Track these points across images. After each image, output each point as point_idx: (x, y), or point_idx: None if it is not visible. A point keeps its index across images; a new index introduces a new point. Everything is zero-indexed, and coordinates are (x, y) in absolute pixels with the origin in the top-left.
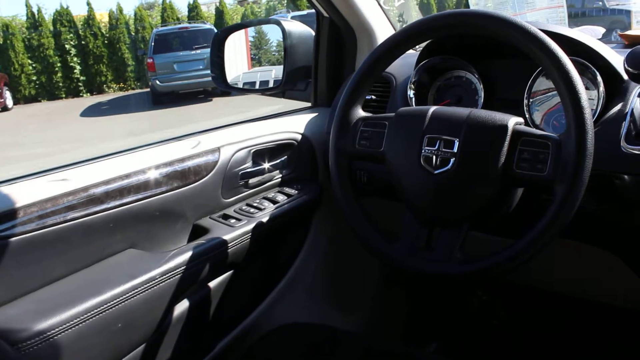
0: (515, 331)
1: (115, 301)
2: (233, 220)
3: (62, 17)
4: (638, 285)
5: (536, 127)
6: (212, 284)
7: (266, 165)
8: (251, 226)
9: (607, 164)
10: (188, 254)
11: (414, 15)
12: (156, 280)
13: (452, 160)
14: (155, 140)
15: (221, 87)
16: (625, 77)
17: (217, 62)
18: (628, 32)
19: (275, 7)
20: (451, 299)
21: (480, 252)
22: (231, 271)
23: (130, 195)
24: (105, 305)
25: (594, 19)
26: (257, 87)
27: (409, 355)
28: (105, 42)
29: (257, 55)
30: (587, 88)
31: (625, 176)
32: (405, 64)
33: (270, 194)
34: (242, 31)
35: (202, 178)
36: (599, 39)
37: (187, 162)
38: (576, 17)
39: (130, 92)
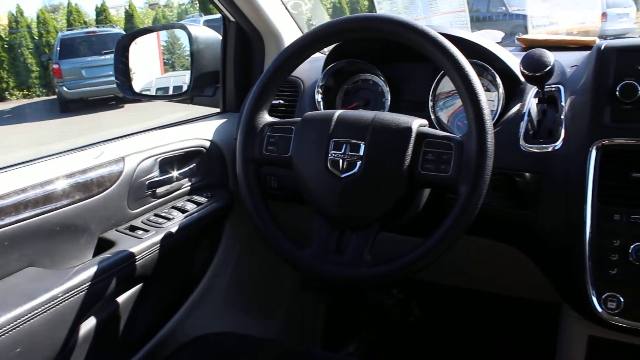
0: (431, 328)
1: (12, 325)
2: (141, 232)
3: None
4: (542, 278)
5: (442, 128)
6: (121, 299)
7: (174, 173)
8: (160, 237)
9: (508, 163)
10: (93, 269)
11: (323, 19)
12: (58, 299)
13: (359, 163)
14: (61, 149)
15: (127, 94)
16: (522, 79)
17: (121, 68)
18: (525, 36)
19: (187, 10)
20: (368, 300)
21: (392, 253)
22: (140, 284)
23: (28, 210)
24: (0, 330)
25: (498, 23)
26: (170, 92)
27: (324, 358)
28: (5, 46)
29: (170, 59)
30: (487, 90)
31: (525, 174)
32: (313, 67)
33: (179, 203)
34: (154, 35)
35: (106, 189)
36: (499, 43)
37: (89, 173)
38: (482, 21)
39: (36, 99)
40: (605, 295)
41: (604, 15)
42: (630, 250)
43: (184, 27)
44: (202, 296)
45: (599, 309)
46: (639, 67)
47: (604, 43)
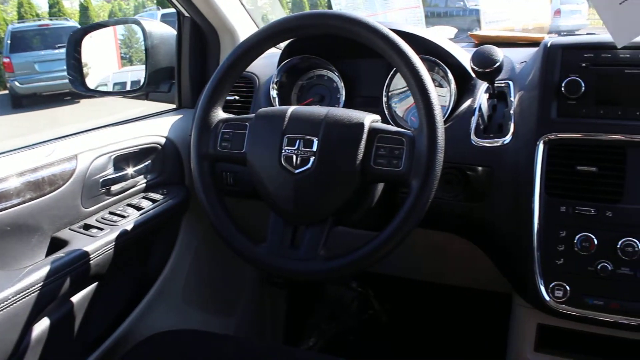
0: (389, 319)
1: None
2: (95, 230)
3: None
4: (494, 269)
5: (397, 123)
6: (75, 298)
7: (129, 170)
8: (115, 235)
9: (460, 157)
10: (45, 269)
11: (279, 14)
12: (9, 301)
13: (312, 159)
14: (13, 147)
15: (79, 90)
16: (473, 74)
17: (73, 64)
18: (477, 32)
19: (144, 4)
20: (327, 294)
21: (348, 247)
22: (95, 283)
23: None
24: None
25: (456, 18)
26: (128, 87)
27: (282, 352)
28: None
29: (128, 54)
30: (439, 85)
31: (476, 167)
32: (268, 63)
33: (135, 201)
34: (110, 30)
35: (59, 188)
36: (452, 39)
37: (40, 171)
38: (440, 17)
39: None
40: (553, 284)
41: (558, 12)
42: (575, 241)
43: (137, 22)
44: (160, 294)
45: (547, 298)
46: (583, 64)
47: (550, 40)
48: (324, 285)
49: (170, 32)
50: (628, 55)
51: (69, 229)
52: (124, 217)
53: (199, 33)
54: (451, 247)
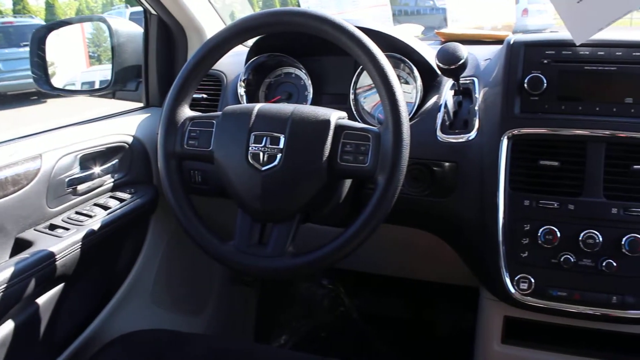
0: (359, 315)
1: None
2: (61, 230)
3: None
4: (462, 263)
5: (364, 120)
6: (41, 300)
7: (96, 169)
8: (81, 235)
9: (426, 153)
10: (9, 271)
11: (247, 12)
12: None
13: (279, 156)
14: None
15: (44, 89)
16: (439, 71)
17: (37, 62)
18: (443, 30)
19: (112, 1)
20: (298, 291)
21: (316, 244)
22: (62, 284)
23: None
24: None
25: (426, 16)
26: (96, 86)
27: (253, 350)
28: None
29: (97, 52)
30: (406, 82)
31: (443, 163)
32: (236, 61)
33: (102, 200)
34: (78, 27)
35: (22, 188)
36: (419, 36)
37: (3, 171)
38: (410, 15)
39: None
40: (518, 277)
41: (525, 11)
42: (539, 234)
43: (103, 20)
44: (128, 294)
45: (512, 290)
46: (545, 60)
47: (513, 38)
48: (295, 282)
49: (138, 30)
50: (587, 52)
51: (34, 230)
52: (90, 216)
53: (166, 31)
54: (419, 243)
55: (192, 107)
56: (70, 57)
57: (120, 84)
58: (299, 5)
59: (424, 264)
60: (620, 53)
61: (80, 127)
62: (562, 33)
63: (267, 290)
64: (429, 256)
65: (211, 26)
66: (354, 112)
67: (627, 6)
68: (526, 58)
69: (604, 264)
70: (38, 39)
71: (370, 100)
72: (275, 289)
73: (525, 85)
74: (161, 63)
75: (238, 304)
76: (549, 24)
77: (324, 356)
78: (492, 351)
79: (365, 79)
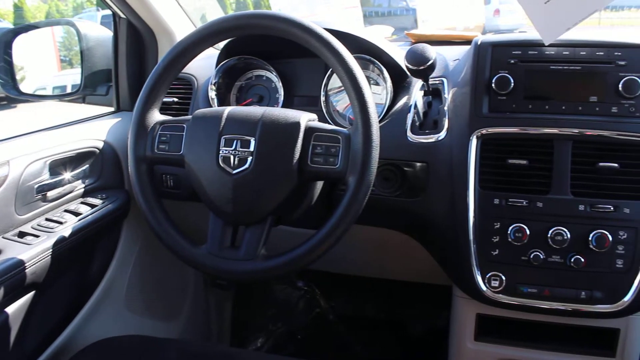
0: (335, 317)
1: None
2: (30, 238)
3: None
4: (435, 262)
5: (335, 122)
6: (11, 309)
7: (66, 175)
8: (51, 242)
9: (397, 154)
10: None
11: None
12: None
13: (250, 159)
14: None
15: (12, 94)
16: (408, 72)
17: (4, 67)
18: (413, 31)
19: (83, 5)
20: (274, 294)
21: (290, 246)
22: (32, 292)
23: None
24: None
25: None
26: (68, 90)
27: (228, 354)
28: None
29: (68, 56)
30: (376, 83)
31: (413, 163)
32: (207, 64)
33: (73, 206)
34: (49, 32)
35: None
36: (389, 38)
37: None
38: (384, 16)
39: None
40: (489, 274)
41: (497, 11)
42: (509, 232)
43: (71, 24)
44: (101, 300)
45: (484, 288)
46: (512, 60)
47: (480, 38)
48: (270, 285)
49: (107, 33)
50: (553, 52)
51: (2, 237)
52: (61, 223)
53: (136, 35)
54: (392, 243)
55: (164, 111)
56: (40, 61)
57: (90, 88)
58: (270, 8)
59: (397, 264)
60: (584, 53)
61: (49, 132)
62: (529, 33)
63: (243, 293)
64: (403, 256)
65: (181, 29)
66: (325, 114)
67: (593, 6)
68: (493, 58)
69: (572, 260)
70: (4, 43)
71: (343, 102)
72: (251, 292)
73: (493, 85)
74: (131, 67)
75: (213, 308)
76: (521, 24)
77: (301, 358)
78: (465, 349)
79: (336, 81)
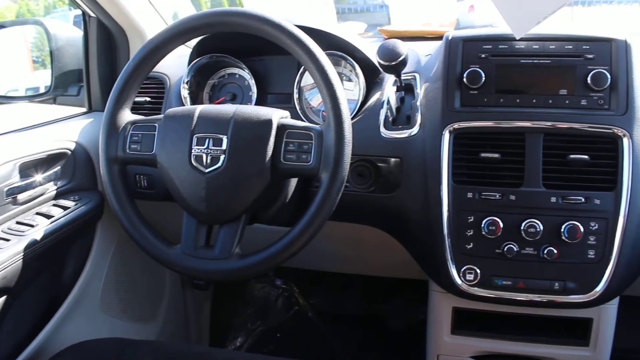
0: (314, 314)
1: None
2: (1, 242)
3: None
4: (411, 257)
5: (308, 119)
6: None
7: (37, 177)
8: (22, 246)
9: (370, 149)
10: None
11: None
12: None
13: (222, 157)
14: None
15: None
16: (381, 68)
17: None
18: (386, 27)
19: (55, 4)
20: (252, 293)
21: (265, 244)
22: (3, 297)
23: None
24: None
25: (375, 14)
26: (41, 90)
27: (207, 354)
28: None
29: (41, 57)
30: (349, 80)
31: (387, 159)
32: (179, 63)
33: (44, 209)
34: (19, 31)
35: None
36: (362, 34)
37: None
38: (360, 13)
39: None
40: (464, 268)
41: (472, 7)
42: (482, 225)
43: (40, 23)
44: (76, 303)
45: (459, 282)
46: (483, 55)
47: (451, 33)
48: (249, 284)
49: (78, 33)
50: (523, 47)
51: None
52: (32, 226)
53: (106, 34)
54: (368, 239)
55: (136, 110)
56: (11, 62)
57: (61, 89)
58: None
59: (374, 260)
60: (554, 47)
61: (19, 134)
62: (500, 28)
63: (221, 292)
64: (379, 252)
65: (153, 28)
66: (299, 111)
67: (562, 0)
68: (464, 53)
69: (545, 251)
70: None
71: (316, 98)
72: (229, 291)
73: (464, 79)
74: (103, 67)
75: (191, 308)
76: (496, 20)
77: (281, 356)
78: (442, 342)
79: (309, 77)
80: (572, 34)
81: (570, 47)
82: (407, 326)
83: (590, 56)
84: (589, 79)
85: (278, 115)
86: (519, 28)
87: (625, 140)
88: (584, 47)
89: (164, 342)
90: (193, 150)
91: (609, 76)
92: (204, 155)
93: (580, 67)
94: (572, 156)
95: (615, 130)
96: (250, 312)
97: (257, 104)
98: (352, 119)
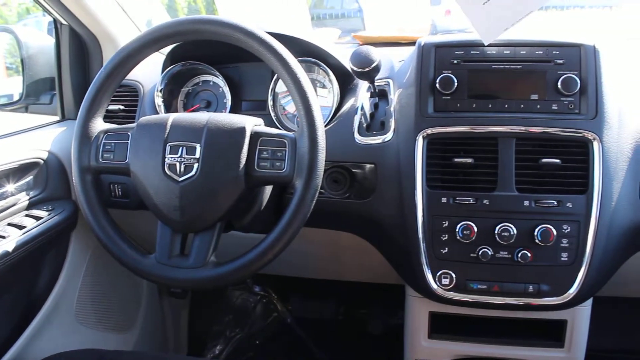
0: (293, 320)
1: None
2: None
3: None
4: (387, 263)
5: (283, 126)
6: None
7: (9, 188)
8: None
9: (345, 156)
10: None
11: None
12: None
13: (196, 166)
14: None
15: None
16: (354, 74)
17: None
18: (361, 33)
19: (29, 10)
20: (230, 300)
21: (241, 252)
22: None
23: None
24: None
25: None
26: (15, 98)
27: None
28: None
29: (15, 64)
30: (323, 86)
31: (362, 165)
32: (153, 71)
33: (16, 219)
34: None
35: None
36: (336, 40)
37: None
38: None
39: None
40: (439, 272)
41: (448, 11)
42: (457, 229)
43: (9, 30)
44: (50, 314)
45: (435, 286)
46: (455, 60)
47: (424, 39)
48: (226, 291)
49: (50, 41)
50: (494, 52)
51: None
52: (4, 237)
53: (79, 41)
54: (345, 245)
55: (110, 119)
56: None
57: (33, 97)
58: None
59: (351, 265)
60: (524, 52)
61: None
62: (474, 34)
63: (198, 301)
64: (356, 257)
65: (126, 35)
66: (273, 118)
67: (530, 6)
68: (437, 59)
69: (519, 255)
70: None
71: (292, 105)
72: (207, 299)
73: (437, 85)
74: (75, 74)
75: (168, 317)
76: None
77: None
78: (420, 346)
79: (282, 85)
80: (543, 40)
81: (541, 52)
82: (386, 331)
83: (560, 61)
84: (559, 83)
85: (251, 123)
86: (488, 34)
87: (596, 144)
88: (554, 52)
89: (142, 352)
90: (166, 159)
91: (578, 81)
92: (178, 164)
93: (551, 72)
94: (544, 160)
95: (586, 134)
96: (229, 319)
97: (231, 111)
98: (326, 125)
